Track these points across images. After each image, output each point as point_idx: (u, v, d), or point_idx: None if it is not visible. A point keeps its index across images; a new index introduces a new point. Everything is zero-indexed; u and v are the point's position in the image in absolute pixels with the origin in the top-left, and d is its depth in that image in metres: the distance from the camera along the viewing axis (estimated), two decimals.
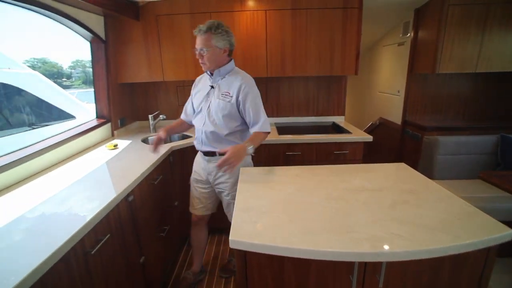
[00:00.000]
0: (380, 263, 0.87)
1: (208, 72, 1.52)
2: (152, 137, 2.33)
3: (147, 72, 2.31)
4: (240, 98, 1.46)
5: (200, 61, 1.44)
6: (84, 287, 0.97)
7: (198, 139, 1.59)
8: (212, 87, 1.53)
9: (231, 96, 1.47)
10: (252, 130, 1.51)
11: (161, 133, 1.60)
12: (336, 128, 2.48)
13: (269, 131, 1.53)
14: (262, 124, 1.48)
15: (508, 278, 1.80)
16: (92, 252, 0.99)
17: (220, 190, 1.63)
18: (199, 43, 1.40)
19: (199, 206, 1.69)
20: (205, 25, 1.37)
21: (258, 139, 1.46)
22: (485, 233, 0.88)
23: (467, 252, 0.87)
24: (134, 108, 2.66)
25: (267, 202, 1.12)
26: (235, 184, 1.54)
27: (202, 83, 1.62)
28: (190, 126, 1.74)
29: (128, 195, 1.30)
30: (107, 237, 1.09)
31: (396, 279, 0.92)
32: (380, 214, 1.00)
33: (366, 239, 0.86)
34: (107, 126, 2.24)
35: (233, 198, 1.58)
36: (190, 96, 1.69)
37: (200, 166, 1.65)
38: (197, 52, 1.42)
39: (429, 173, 2.34)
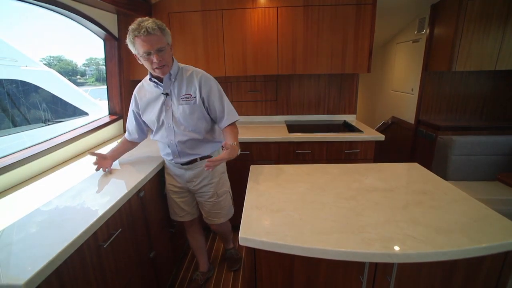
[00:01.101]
0: (391, 265, 0.86)
1: (153, 80, 1.35)
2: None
3: None
4: (203, 95, 1.36)
5: (156, 65, 1.24)
6: (96, 278, 0.99)
7: (173, 153, 1.45)
8: (166, 94, 1.36)
9: (194, 97, 1.35)
10: (222, 125, 1.41)
11: (107, 161, 1.46)
12: (348, 127, 2.44)
13: (238, 118, 1.44)
14: (228, 114, 1.40)
15: None
16: (105, 246, 1.02)
17: (202, 194, 1.55)
18: (153, 43, 1.19)
19: (183, 214, 1.63)
20: (150, 24, 1.18)
21: (236, 134, 1.39)
22: (503, 237, 0.85)
23: (484, 256, 0.85)
24: None
25: (277, 200, 1.12)
26: (219, 181, 1.55)
27: (147, 95, 1.42)
28: (135, 144, 1.64)
29: (139, 191, 1.32)
30: (119, 231, 1.11)
31: (407, 282, 0.90)
32: (393, 215, 0.98)
33: (377, 240, 0.84)
34: (119, 123, 2.28)
35: (221, 195, 1.56)
36: (131, 113, 1.51)
37: (175, 177, 1.55)
38: (151, 56, 1.21)
39: (443, 174, 2.28)
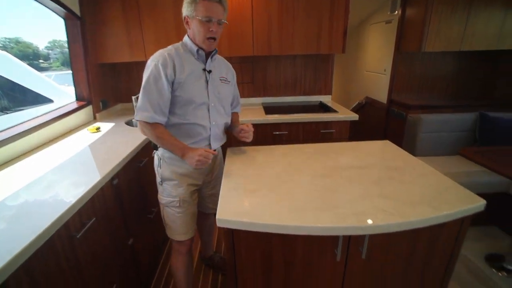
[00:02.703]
0: (363, 236, 0.90)
1: (196, 51, 1.20)
2: None
3: (128, 52, 2.21)
4: (233, 81, 1.41)
5: (211, 34, 1.15)
6: (71, 270, 0.96)
7: (214, 137, 1.28)
8: (209, 71, 1.24)
9: (229, 81, 1.35)
10: (235, 111, 1.52)
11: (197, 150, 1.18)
12: (323, 107, 2.48)
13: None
14: (239, 102, 1.53)
15: (478, 245, 1.93)
16: (78, 236, 0.98)
17: (217, 183, 1.38)
18: (219, 12, 1.13)
19: (192, 226, 1.35)
20: None
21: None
22: (461, 204, 0.92)
23: (444, 222, 0.92)
24: (116, 90, 2.56)
25: (254, 181, 1.12)
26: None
27: (187, 66, 1.18)
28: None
29: (112, 178, 1.28)
30: (92, 220, 1.07)
31: (378, 251, 0.96)
32: (365, 190, 1.02)
33: (351, 214, 0.88)
34: (88, 109, 2.15)
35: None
36: (164, 85, 1.13)
37: (193, 174, 1.30)
38: (210, 23, 1.12)
39: (412, 151, 2.41)
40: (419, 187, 1.05)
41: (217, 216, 0.90)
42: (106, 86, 2.38)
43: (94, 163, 1.37)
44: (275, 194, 1.02)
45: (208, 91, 1.23)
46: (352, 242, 0.92)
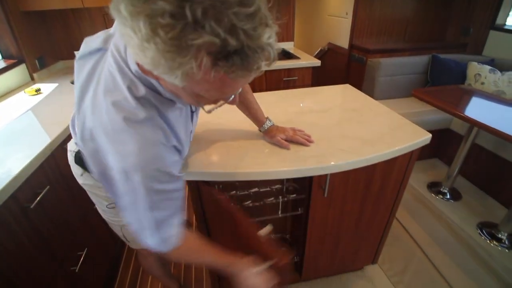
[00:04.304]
0: (325, 176, 0.96)
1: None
2: None
3: None
4: None
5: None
6: (32, 242, 0.92)
7: None
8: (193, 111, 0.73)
9: None
10: None
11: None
12: (286, 55, 2.41)
13: None
14: None
15: (422, 175, 2.19)
16: (32, 206, 0.92)
17: None
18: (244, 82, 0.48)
19: None
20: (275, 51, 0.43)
21: None
22: (411, 139, 1.00)
23: (396, 157, 1.00)
24: (53, 44, 2.21)
25: (215, 132, 1.10)
26: None
27: (175, 114, 0.62)
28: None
29: (64, 142, 1.17)
30: (46, 189, 1.00)
31: (338, 189, 1.03)
32: (326, 133, 1.05)
33: (312, 156, 0.92)
34: (21, 69, 1.86)
35: None
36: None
37: None
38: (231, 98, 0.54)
39: (371, 95, 2.51)
40: (375, 126, 1.10)
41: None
42: (39, 41, 2.04)
43: (39, 128, 1.23)
44: (237, 143, 1.01)
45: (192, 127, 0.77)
46: (314, 182, 0.98)
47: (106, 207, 0.91)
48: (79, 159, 0.81)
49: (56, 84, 1.84)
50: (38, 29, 2.04)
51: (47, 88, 1.76)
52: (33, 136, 1.14)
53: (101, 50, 0.62)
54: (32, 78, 1.94)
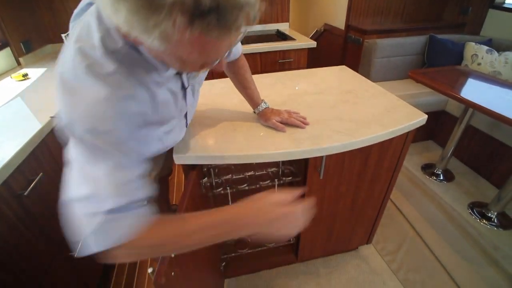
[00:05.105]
0: (320, 158, 0.95)
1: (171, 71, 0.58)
2: None
3: None
4: None
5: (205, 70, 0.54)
6: (29, 229, 0.92)
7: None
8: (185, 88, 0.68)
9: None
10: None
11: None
12: (281, 36, 2.35)
13: None
14: None
15: (416, 158, 2.22)
16: (26, 193, 0.90)
17: None
18: (225, 49, 0.46)
19: None
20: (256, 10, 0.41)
21: None
22: (406, 120, 1.00)
23: (391, 138, 1.00)
24: (39, 27, 2.12)
25: (210, 115, 1.08)
26: None
27: (161, 96, 0.58)
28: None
29: (55, 129, 1.15)
30: (39, 176, 0.98)
31: (334, 170, 1.03)
32: (322, 115, 1.04)
33: (308, 138, 0.91)
34: (6, 53, 1.79)
35: None
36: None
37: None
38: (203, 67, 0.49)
39: (367, 76, 2.47)
40: (371, 107, 1.09)
41: (173, 154, 0.86)
42: (24, 23, 1.95)
43: (28, 113, 1.19)
44: (232, 125, 1.00)
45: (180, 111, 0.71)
46: (310, 164, 0.98)
47: None
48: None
49: (44, 69, 1.78)
50: (21, 11, 1.95)
51: (34, 73, 1.71)
52: (23, 122, 1.11)
53: (91, 4, 0.56)
54: (19, 63, 1.87)
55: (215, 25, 0.36)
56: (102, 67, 0.47)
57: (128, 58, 0.49)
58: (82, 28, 0.49)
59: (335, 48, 3.04)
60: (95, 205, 0.48)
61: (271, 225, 0.52)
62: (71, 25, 0.63)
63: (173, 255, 0.59)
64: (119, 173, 0.49)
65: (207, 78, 0.98)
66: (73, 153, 0.50)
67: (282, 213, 0.53)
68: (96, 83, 0.46)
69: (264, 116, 0.98)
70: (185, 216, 0.54)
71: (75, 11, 0.63)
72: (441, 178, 1.99)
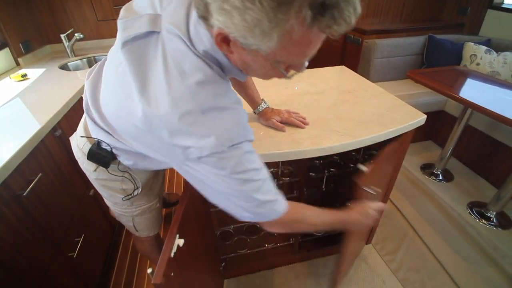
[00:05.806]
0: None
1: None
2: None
3: None
4: None
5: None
6: (28, 229, 0.92)
7: None
8: None
9: None
10: None
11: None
12: None
13: None
14: None
15: (416, 158, 2.22)
16: (25, 194, 0.90)
17: None
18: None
19: (161, 218, 1.06)
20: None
21: None
22: (405, 120, 1.00)
23: (390, 139, 1.00)
24: (39, 27, 2.12)
25: None
26: None
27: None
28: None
29: (54, 129, 1.15)
30: (38, 176, 0.98)
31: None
32: (321, 115, 1.05)
33: (307, 138, 0.91)
34: (5, 53, 1.79)
35: None
36: None
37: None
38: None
39: (366, 77, 2.47)
40: (370, 107, 1.10)
41: None
42: (23, 23, 1.95)
43: (27, 114, 1.19)
44: None
45: None
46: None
47: (122, 199, 0.86)
48: (93, 155, 0.74)
49: (43, 69, 1.78)
50: (22, 12, 1.95)
51: (33, 73, 1.71)
52: (22, 123, 1.11)
53: (153, 33, 0.53)
54: (18, 63, 1.87)
55: (336, 20, 0.38)
56: (222, 89, 0.53)
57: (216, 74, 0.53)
58: (178, 65, 0.49)
59: (335, 48, 3.04)
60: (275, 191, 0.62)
61: (367, 224, 0.82)
62: (121, 50, 0.54)
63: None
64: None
65: None
66: (234, 168, 0.53)
67: (374, 216, 0.81)
68: (227, 105, 0.52)
69: (264, 116, 0.98)
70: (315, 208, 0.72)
71: (125, 38, 0.54)
72: (440, 178, 2.00)
